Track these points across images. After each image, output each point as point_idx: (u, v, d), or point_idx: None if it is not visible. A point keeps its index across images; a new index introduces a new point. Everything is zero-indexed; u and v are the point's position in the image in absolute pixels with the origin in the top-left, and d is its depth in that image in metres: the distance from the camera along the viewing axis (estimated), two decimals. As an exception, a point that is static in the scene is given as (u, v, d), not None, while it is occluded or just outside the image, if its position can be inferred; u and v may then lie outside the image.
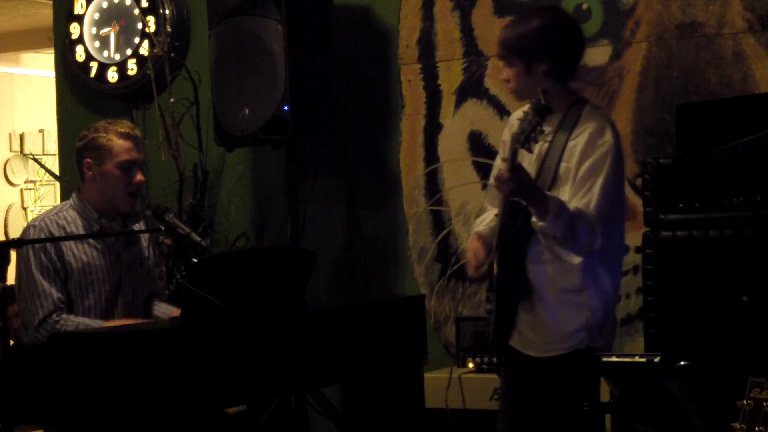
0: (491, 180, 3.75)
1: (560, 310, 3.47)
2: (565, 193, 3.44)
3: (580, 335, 3.46)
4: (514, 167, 3.32)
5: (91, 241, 3.93)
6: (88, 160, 3.99)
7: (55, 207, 4.09)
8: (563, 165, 3.46)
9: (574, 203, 3.40)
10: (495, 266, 3.52)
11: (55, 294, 3.85)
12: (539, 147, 3.48)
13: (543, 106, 3.25)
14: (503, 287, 3.51)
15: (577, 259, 3.45)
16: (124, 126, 4.05)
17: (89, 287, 3.93)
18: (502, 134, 3.76)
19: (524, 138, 3.28)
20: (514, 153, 3.32)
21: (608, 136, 3.47)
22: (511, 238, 3.47)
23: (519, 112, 3.66)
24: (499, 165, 3.73)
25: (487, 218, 3.68)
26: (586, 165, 3.43)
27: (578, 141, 3.46)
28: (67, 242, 3.89)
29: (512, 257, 3.49)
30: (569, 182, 3.45)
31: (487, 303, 3.61)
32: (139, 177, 4.00)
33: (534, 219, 3.41)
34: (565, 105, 3.53)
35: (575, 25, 3.68)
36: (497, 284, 3.51)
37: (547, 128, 3.49)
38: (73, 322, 3.81)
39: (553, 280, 3.48)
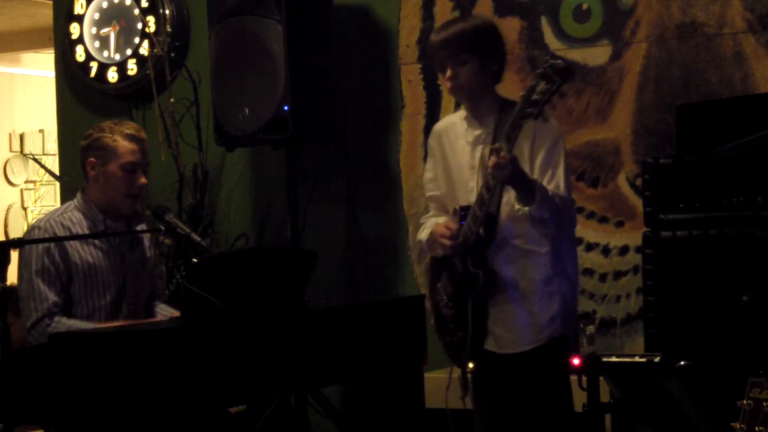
0: (428, 192, 3.76)
1: (534, 301, 3.51)
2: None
3: (556, 323, 3.51)
4: (510, 146, 3.31)
5: (96, 242, 3.93)
6: (92, 159, 3.99)
7: (59, 208, 4.08)
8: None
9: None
10: (474, 270, 3.52)
11: (52, 298, 3.83)
12: (481, 150, 3.49)
13: (565, 67, 3.17)
14: (479, 291, 3.52)
15: (544, 248, 3.48)
16: (131, 128, 4.04)
17: (94, 289, 3.92)
18: (429, 143, 3.75)
19: (538, 110, 3.22)
20: (517, 132, 3.29)
21: (553, 121, 3.53)
22: (479, 242, 3.49)
23: (446, 120, 3.70)
24: (431, 179, 3.72)
25: (439, 220, 3.69)
26: (542, 153, 3.48)
27: (524, 134, 3.45)
28: (72, 243, 3.89)
29: (482, 260, 3.51)
30: None
31: (448, 321, 3.61)
32: (142, 180, 4.00)
33: (518, 206, 3.41)
34: (497, 108, 3.56)
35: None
36: (480, 289, 3.52)
37: (484, 130, 3.51)
38: (64, 324, 3.80)
39: (524, 274, 3.51)
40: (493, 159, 3.32)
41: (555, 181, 3.47)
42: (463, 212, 3.51)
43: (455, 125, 3.67)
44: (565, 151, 3.54)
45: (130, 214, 4.05)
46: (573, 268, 3.62)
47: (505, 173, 3.33)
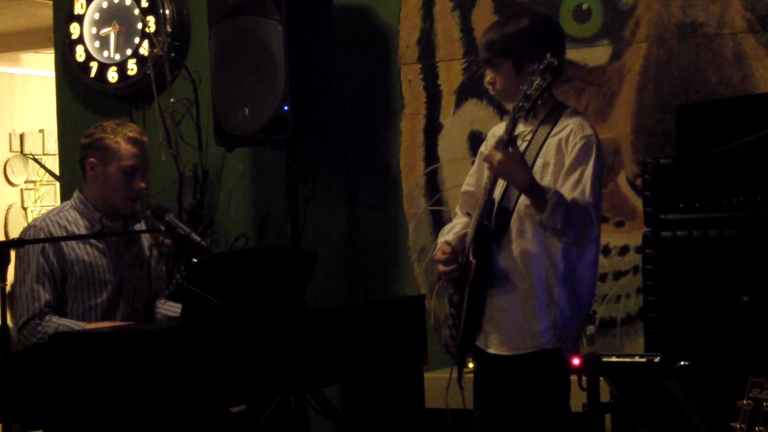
0: (464, 187, 3.71)
1: (528, 307, 3.43)
2: None
3: (549, 335, 3.42)
4: (511, 140, 3.27)
5: (92, 241, 3.93)
6: (93, 159, 3.99)
7: (56, 207, 4.08)
8: (540, 161, 3.42)
9: (567, 194, 3.38)
10: (471, 259, 3.47)
11: (44, 297, 3.84)
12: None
13: (556, 66, 3.17)
14: (476, 282, 3.47)
15: (552, 255, 3.41)
16: (134, 131, 4.04)
17: (90, 287, 3.93)
18: (481, 147, 3.70)
19: (530, 106, 3.21)
20: (513, 124, 3.27)
21: (589, 130, 3.45)
22: (484, 233, 3.45)
23: (498, 127, 3.60)
24: (470, 174, 3.68)
25: (456, 226, 3.63)
26: (571, 157, 3.40)
27: (558, 137, 3.43)
28: (69, 242, 3.89)
29: (482, 251, 3.46)
30: (546, 177, 3.40)
31: (450, 307, 3.57)
32: (141, 184, 4.00)
33: (532, 211, 3.36)
34: (545, 108, 3.48)
35: (559, 27, 3.68)
36: (473, 278, 3.47)
37: (526, 128, 3.48)
38: (54, 324, 3.80)
39: (524, 276, 3.43)
40: (491, 148, 3.31)
41: (581, 186, 3.35)
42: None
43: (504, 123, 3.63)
44: (598, 161, 3.41)
45: (128, 215, 4.05)
46: (582, 281, 3.48)
47: (496, 163, 3.28)
